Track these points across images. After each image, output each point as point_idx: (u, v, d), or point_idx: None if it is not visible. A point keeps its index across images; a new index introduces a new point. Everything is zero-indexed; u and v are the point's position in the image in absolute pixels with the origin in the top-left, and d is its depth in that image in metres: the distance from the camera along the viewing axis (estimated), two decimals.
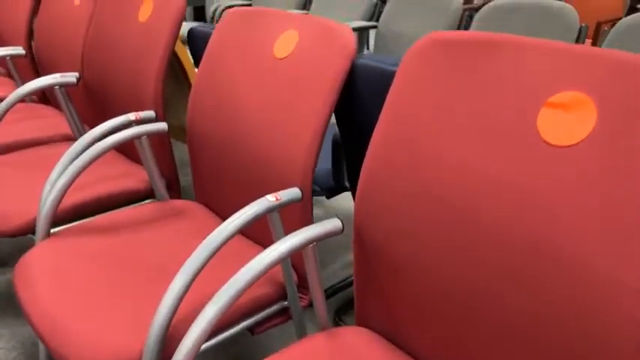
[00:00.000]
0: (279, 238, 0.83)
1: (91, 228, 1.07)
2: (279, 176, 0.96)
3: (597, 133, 0.56)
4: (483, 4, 2.18)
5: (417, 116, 0.70)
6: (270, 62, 1.02)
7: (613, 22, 3.12)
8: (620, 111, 0.55)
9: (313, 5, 2.94)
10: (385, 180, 0.74)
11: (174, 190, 1.36)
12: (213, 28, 1.22)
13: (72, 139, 1.58)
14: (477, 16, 2.23)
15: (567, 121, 0.58)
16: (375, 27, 2.63)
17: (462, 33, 0.69)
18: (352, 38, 0.91)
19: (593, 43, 2.99)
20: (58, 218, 1.10)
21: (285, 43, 1.01)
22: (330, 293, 1.55)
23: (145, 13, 1.37)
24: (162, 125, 1.14)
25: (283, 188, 0.93)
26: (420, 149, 0.70)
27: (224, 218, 1.15)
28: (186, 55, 1.56)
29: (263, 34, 1.06)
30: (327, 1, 2.89)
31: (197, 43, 1.37)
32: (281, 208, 0.83)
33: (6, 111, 1.39)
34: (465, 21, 2.32)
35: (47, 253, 0.99)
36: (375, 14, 2.69)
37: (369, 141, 0.82)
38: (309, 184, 0.90)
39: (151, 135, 1.14)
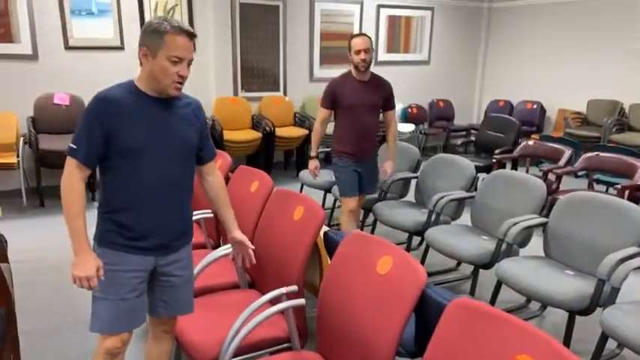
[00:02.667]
0: None
1: None
2: (374, 353, 1.50)
3: None
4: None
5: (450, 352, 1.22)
6: (374, 275, 1.61)
7: None
8: None
9: (421, 172, 3.57)
10: None
11: (303, 337, 1.96)
12: (342, 237, 1.86)
13: (237, 286, 2.29)
14: (558, 203, 2.65)
15: None
16: (472, 197, 3.16)
17: (477, 304, 1.21)
18: (424, 273, 1.47)
19: None
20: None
21: (384, 264, 1.60)
22: None
23: (298, 214, 2.08)
24: (301, 301, 1.78)
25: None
26: None
27: None
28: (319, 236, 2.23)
29: (371, 253, 1.67)
30: (433, 170, 3.51)
31: (329, 239, 2.04)
32: None
33: (205, 267, 2.15)
34: (548, 205, 2.75)
35: None
36: (473, 186, 3.24)
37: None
38: None
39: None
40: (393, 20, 6.74)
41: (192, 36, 1.56)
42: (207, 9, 5.25)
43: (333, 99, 3.12)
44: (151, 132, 1.57)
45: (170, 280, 1.73)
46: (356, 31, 6.45)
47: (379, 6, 6.54)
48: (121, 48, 4.88)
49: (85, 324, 1.65)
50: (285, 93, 6.03)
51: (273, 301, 1.83)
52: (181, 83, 1.58)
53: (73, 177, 1.54)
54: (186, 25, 1.57)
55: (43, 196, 4.44)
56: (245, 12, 5.56)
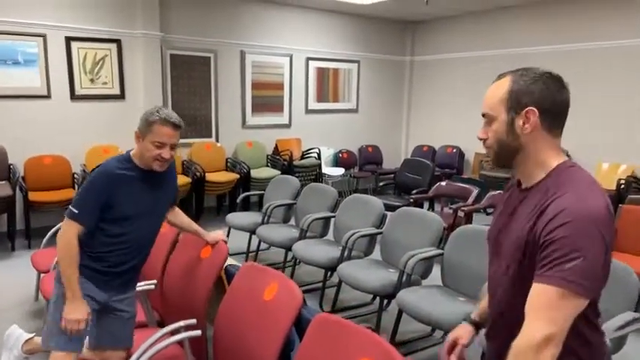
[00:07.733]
0: None
1: None
2: None
3: None
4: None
5: (311, 357, 1.38)
6: (260, 300, 1.76)
7: None
8: None
9: (338, 212, 3.80)
10: None
11: None
12: (237, 269, 2.01)
13: (145, 325, 2.35)
14: (451, 236, 2.93)
15: None
16: (380, 233, 3.40)
17: (334, 317, 1.39)
18: (300, 297, 1.64)
19: None
20: None
21: (270, 291, 1.76)
22: None
23: (206, 253, 2.21)
24: (197, 332, 1.89)
25: None
26: None
27: None
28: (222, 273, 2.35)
29: (260, 282, 1.82)
30: (348, 210, 3.74)
31: (228, 273, 2.18)
32: None
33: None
34: (444, 237, 3.02)
35: None
36: (382, 223, 3.48)
37: None
38: None
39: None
40: (321, 72, 7.15)
41: (177, 127, 1.83)
42: (137, 59, 5.41)
43: None
44: (139, 203, 1.88)
45: (118, 314, 1.96)
46: (287, 81, 6.79)
47: (308, 59, 6.95)
48: (48, 97, 4.91)
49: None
50: (217, 139, 6.20)
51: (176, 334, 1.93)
52: (164, 163, 1.86)
53: (73, 238, 1.78)
54: (174, 116, 1.85)
55: None
56: (176, 62, 5.77)
